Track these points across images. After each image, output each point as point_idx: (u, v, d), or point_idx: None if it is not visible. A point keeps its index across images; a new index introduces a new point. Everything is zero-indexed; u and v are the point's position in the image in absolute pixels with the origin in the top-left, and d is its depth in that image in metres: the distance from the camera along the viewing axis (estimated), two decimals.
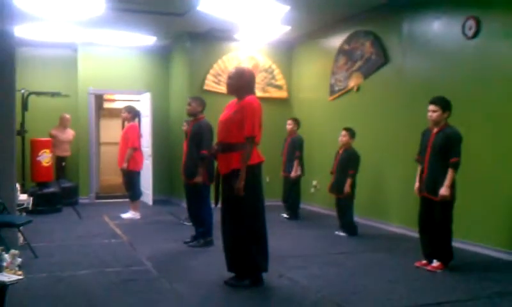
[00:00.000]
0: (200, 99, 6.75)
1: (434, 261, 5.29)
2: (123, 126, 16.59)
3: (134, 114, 8.74)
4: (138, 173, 8.79)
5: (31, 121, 9.84)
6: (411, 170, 7.16)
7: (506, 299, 4.39)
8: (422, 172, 5.38)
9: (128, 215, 8.70)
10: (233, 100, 4.90)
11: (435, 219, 5.25)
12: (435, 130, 5.29)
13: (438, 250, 5.31)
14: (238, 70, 4.91)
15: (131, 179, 8.64)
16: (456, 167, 5.09)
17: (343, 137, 7.17)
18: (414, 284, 4.80)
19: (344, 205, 7.16)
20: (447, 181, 5.07)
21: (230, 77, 4.83)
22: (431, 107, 5.30)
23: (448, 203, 5.18)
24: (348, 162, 7.07)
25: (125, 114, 8.69)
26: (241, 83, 4.73)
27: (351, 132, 7.18)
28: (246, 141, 4.53)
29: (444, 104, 5.26)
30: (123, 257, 5.85)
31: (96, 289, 4.58)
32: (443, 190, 5.07)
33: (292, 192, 8.52)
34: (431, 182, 5.23)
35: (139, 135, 8.70)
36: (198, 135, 6.38)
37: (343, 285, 4.74)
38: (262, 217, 4.67)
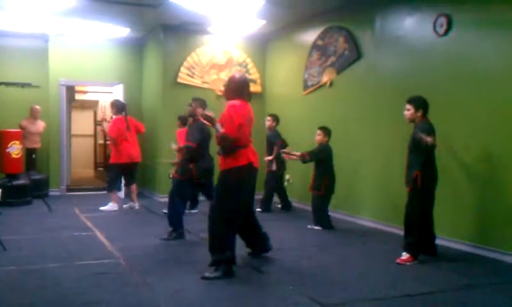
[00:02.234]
0: (200, 100, 6.78)
1: (403, 253, 5.38)
2: (95, 119, 16.50)
3: (117, 108, 8.73)
4: (118, 166, 8.74)
5: (1, 112, 9.67)
6: (383, 165, 7.28)
7: (473, 291, 4.49)
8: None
9: (106, 207, 8.74)
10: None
11: (407, 210, 5.43)
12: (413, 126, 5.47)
13: (406, 242, 5.44)
14: (229, 76, 5.20)
15: (109, 171, 8.75)
16: (431, 147, 5.18)
17: (317, 136, 7.30)
18: (385, 277, 4.87)
19: (316, 199, 7.25)
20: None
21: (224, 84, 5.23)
22: (406, 106, 5.49)
23: (419, 195, 5.33)
24: (317, 155, 7.21)
25: (111, 110, 8.74)
26: (228, 89, 5.00)
27: (325, 131, 7.29)
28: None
29: (417, 103, 5.43)
30: (93, 250, 5.80)
31: (67, 282, 4.53)
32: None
33: (266, 185, 8.62)
34: (406, 175, 5.43)
35: (119, 128, 8.62)
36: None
37: (316, 278, 4.78)
38: (240, 214, 4.98)
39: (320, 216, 7.21)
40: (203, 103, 6.64)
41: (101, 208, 8.73)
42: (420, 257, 5.40)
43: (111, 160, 8.78)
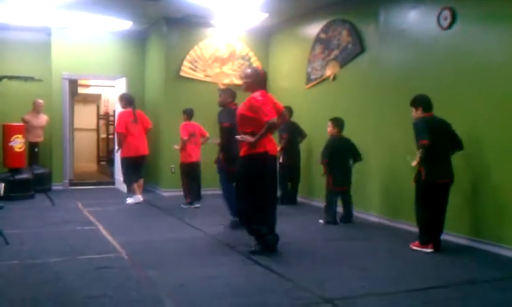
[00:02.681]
0: (229, 90, 6.90)
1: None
2: (98, 113, 16.50)
3: (125, 101, 8.73)
4: (129, 159, 8.77)
5: (4, 106, 9.66)
6: (387, 159, 7.25)
7: (475, 286, 4.47)
8: None
9: (131, 200, 8.81)
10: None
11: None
12: None
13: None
14: (245, 71, 5.60)
15: (122, 166, 8.90)
16: (423, 148, 5.35)
17: (328, 127, 7.25)
18: (387, 272, 4.86)
19: (326, 195, 7.24)
20: (416, 161, 5.44)
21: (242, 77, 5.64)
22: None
23: (417, 186, 5.55)
24: (324, 154, 7.18)
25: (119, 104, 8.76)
26: (248, 81, 5.42)
27: (335, 122, 7.21)
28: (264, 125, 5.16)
29: (415, 104, 5.68)
30: (96, 244, 5.80)
31: (69, 276, 4.53)
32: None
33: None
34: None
35: (126, 121, 8.61)
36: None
37: (319, 272, 4.77)
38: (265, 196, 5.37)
39: (325, 209, 7.17)
40: (232, 94, 6.76)
41: (127, 200, 8.80)
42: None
43: (121, 155, 8.81)
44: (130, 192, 8.92)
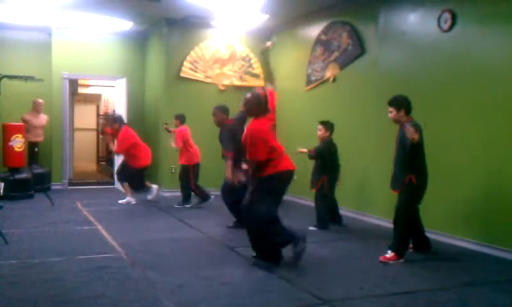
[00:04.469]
0: (221, 107, 6.95)
1: (389, 251, 5.26)
2: (98, 113, 16.51)
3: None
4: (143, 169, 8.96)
5: (3, 106, 9.65)
6: (387, 161, 7.23)
7: (474, 288, 4.47)
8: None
9: (151, 196, 8.97)
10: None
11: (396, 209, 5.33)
12: (398, 128, 5.34)
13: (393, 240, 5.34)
14: (245, 98, 5.30)
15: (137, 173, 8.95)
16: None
17: (318, 131, 7.03)
18: (385, 273, 4.85)
19: (316, 198, 7.04)
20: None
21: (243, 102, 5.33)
22: (388, 108, 5.36)
23: (404, 193, 5.22)
24: (321, 151, 6.97)
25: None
26: (249, 108, 5.24)
27: (326, 125, 7.00)
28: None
29: (397, 104, 5.30)
30: (95, 244, 5.80)
31: (68, 276, 4.53)
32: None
33: None
34: (393, 177, 5.35)
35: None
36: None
37: (317, 274, 4.77)
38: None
39: (317, 215, 6.97)
40: (225, 110, 6.89)
41: (148, 197, 8.95)
42: (418, 255, 5.43)
43: (136, 165, 8.80)
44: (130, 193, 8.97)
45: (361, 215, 7.62)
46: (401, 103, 5.30)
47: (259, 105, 5.17)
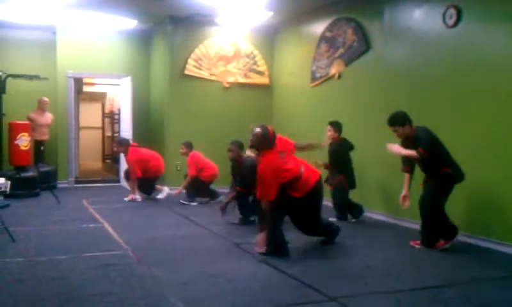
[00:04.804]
0: (237, 142, 6.97)
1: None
2: (103, 111, 16.56)
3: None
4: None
5: (9, 105, 9.69)
6: (392, 157, 7.22)
7: (479, 285, 4.46)
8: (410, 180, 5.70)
9: (161, 195, 9.12)
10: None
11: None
12: (408, 141, 5.51)
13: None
14: (253, 133, 5.37)
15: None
16: (420, 155, 5.29)
17: (328, 132, 7.24)
18: (390, 270, 4.85)
19: (333, 195, 7.32)
20: (406, 152, 5.42)
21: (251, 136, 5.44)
22: (391, 128, 5.56)
23: (442, 185, 5.47)
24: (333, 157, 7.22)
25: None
26: (256, 143, 5.33)
27: (336, 126, 7.22)
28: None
29: (401, 121, 5.50)
30: (101, 242, 5.82)
31: (74, 274, 4.55)
32: (396, 148, 5.50)
33: None
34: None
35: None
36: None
37: (323, 271, 4.78)
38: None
39: (337, 207, 7.27)
40: (241, 146, 6.95)
41: (159, 196, 9.08)
42: (423, 251, 5.50)
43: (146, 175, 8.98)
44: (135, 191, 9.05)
45: (366, 211, 7.61)
46: (403, 119, 5.49)
47: (266, 140, 5.27)
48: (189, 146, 8.71)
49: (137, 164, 8.85)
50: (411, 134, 5.45)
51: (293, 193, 5.26)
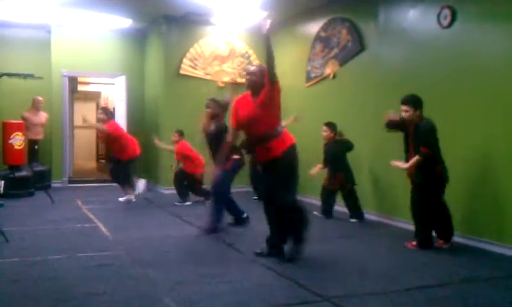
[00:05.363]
0: (216, 100, 6.81)
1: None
2: (97, 110, 16.49)
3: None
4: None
5: (3, 104, 9.66)
6: (386, 158, 7.24)
7: (474, 285, 4.47)
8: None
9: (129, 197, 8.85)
10: (242, 95, 5.26)
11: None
12: (411, 126, 5.50)
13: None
14: (259, 67, 5.21)
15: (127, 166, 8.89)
16: (424, 156, 5.32)
17: (323, 132, 7.34)
18: (386, 270, 4.86)
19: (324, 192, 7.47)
20: (410, 163, 5.42)
21: (252, 74, 5.11)
22: (403, 107, 5.48)
23: (418, 189, 5.48)
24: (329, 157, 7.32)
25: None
26: (262, 80, 4.99)
27: (331, 126, 7.31)
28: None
29: (415, 103, 5.45)
30: (95, 242, 5.81)
31: (69, 274, 4.54)
32: (401, 164, 5.50)
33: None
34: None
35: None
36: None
37: (317, 271, 4.78)
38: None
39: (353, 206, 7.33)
40: (220, 103, 6.73)
41: (135, 192, 8.88)
42: (417, 252, 5.53)
43: (127, 156, 8.73)
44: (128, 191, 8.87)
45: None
46: (418, 103, 5.45)
47: (263, 81, 5.00)
48: (181, 134, 8.75)
49: (116, 137, 8.64)
50: (416, 121, 5.44)
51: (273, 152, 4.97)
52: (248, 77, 5.15)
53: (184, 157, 8.62)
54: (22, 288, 4.16)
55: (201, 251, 5.53)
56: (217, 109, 6.66)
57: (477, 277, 4.70)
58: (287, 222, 5.06)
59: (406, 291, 4.25)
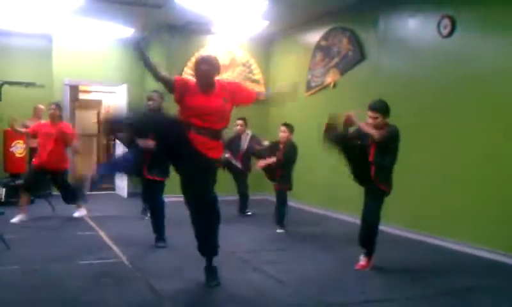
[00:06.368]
0: (158, 92, 6.06)
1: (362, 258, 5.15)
2: (98, 119, 16.52)
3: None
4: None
5: (5, 112, 9.66)
6: None
7: (473, 294, 4.47)
8: None
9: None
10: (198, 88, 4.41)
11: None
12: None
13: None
14: (212, 57, 4.53)
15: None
16: (379, 138, 4.86)
17: (282, 132, 7.07)
18: (386, 278, 4.86)
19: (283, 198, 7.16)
20: (367, 128, 4.92)
21: (208, 63, 4.39)
22: (372, 114, 5.00)
23: (381, 197, 5.10)
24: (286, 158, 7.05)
25: None
26: (219, 70, 4.47)
27: (290, 128, 7.12)
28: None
29: (384, 110, 5.02)
30: (96, 250, 5.81)
31: (70, 281, 4.54)
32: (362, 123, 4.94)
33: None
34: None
35: None
36: None
37: (316, 278, 4.79)
38: None
39: (280, 216, 7.06)
40: (161, 95, 5.98)
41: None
42: (416, 261, 5.51)
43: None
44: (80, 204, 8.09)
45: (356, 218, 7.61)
46: (388, 110, 5.04)
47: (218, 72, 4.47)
48: None
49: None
50: (384, 127, 4.98)
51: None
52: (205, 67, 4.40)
53: None
54: (22, 296, 4.16)
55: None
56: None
57: (476, 286, 4.70)
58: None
59: (407, 300, 4.24)
